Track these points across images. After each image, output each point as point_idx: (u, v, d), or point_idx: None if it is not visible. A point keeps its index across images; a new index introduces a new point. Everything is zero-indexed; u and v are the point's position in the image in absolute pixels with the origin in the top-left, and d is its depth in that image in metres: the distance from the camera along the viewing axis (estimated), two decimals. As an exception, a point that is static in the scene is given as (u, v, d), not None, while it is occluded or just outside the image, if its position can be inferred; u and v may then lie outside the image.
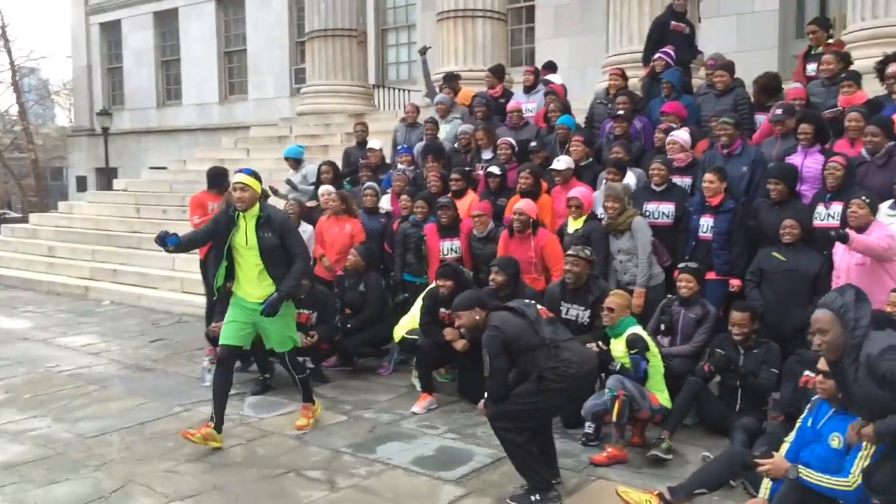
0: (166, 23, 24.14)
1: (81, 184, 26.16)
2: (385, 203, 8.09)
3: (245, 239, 5.23)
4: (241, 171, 5.34)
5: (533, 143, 7.92)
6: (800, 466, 3.76)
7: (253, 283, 5.31)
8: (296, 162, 9.40)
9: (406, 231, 7.28)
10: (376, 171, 8.85)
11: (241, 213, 5.24)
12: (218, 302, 7.09)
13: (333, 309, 6.94)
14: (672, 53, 8.76)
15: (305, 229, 7.65)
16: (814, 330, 3.48)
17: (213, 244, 5.52)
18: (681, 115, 7.54)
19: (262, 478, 4.75)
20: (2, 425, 5.69)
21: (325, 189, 8.15)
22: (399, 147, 9.33)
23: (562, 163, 7.08)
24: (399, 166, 8.69)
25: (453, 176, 7.57)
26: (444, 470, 4.86)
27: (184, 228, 11.79)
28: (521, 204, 6.49)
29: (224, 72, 22.88)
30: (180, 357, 7.73)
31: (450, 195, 7.32)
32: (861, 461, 3.60)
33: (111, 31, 25.83)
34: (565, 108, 8.39)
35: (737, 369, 5.20)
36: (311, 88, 15.68)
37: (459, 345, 6.15)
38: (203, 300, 8.10)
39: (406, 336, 6.58)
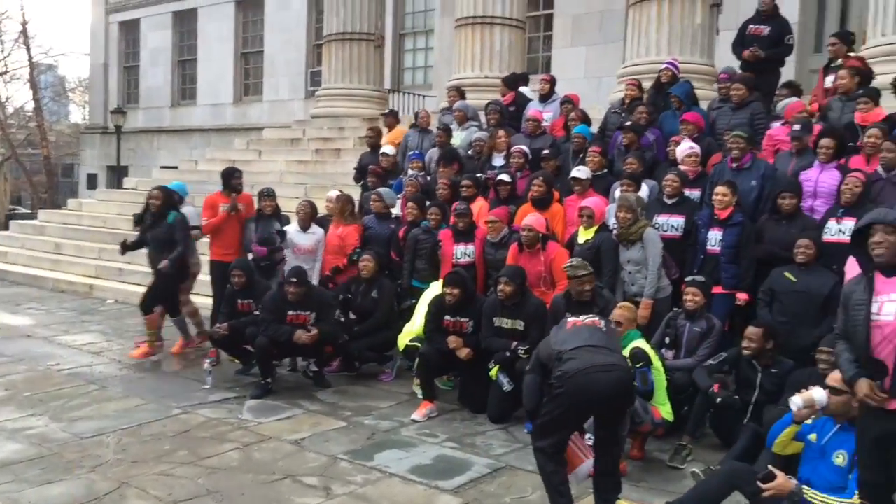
0: (185, 23, 24.24)
1: (92, 181, 26.25)
2: (398, 209, 8.04)
3: None
4: None
5: (545, 151, 7.84)
6: (804, 486, 3.68)
7: None
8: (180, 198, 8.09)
9: (417, 237, 7.20)
10: (385, 177, 8.79)
11: None
12: (223, 303, 7.10)
13: (331, 307, 6.88)
14: (677, 64, 8.67)
15: (316, 231, 7.69)
16: None
17: None
18: (700, 126, 7.49)
19: (257, 483, 4.68)
20: (-1, 423, 5.66)
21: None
22: (410, 153, 9.27)
23: (583, 172, 7.03)
24: (410, 172, 8.63)
25: (464, 182, 7.50)
26: (442, 479, 4.78)
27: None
28: (529, 219, 6.40)
29: (240, 73, 22.93)
30: (182, 358, 7.68)
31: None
32: None
33: (130, 30, 25.98)
34: (585, 117, 8.34)
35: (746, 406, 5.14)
36: (326, 91, 15.67)
37: (463, 353, 6.09)
38: (207, 301, 8.05)
39: (409, 344, 6.52)
